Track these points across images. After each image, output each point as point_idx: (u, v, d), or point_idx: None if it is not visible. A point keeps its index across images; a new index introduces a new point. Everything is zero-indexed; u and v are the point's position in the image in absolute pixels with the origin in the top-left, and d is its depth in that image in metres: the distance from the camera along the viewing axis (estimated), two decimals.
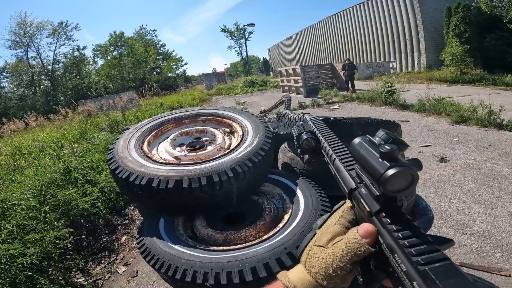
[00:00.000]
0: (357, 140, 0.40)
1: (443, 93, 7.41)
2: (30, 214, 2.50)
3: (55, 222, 2.45)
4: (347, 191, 0.42)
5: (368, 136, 0.40)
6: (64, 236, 2.32)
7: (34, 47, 28.59)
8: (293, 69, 13.39)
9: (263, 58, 57.04)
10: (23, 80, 27.93)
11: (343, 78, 12.09)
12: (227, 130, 1.60)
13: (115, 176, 1.21)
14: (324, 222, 0.44)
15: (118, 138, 1.47)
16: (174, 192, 1.08)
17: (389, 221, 0.32)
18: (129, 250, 2.62)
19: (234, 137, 1.53)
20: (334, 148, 0.52)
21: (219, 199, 1.15)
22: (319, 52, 30.96)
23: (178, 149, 1.48)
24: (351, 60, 12.64)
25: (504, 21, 14.59)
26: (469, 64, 14.28)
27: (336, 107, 8.72)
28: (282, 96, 3.87)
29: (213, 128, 1.62)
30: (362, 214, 0.38)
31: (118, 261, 2.48)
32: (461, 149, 4.12)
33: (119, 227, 3.01)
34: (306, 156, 0.62)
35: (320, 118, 1.29)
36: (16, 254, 2.03)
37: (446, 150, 4.11)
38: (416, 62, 19.17)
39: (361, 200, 0.37)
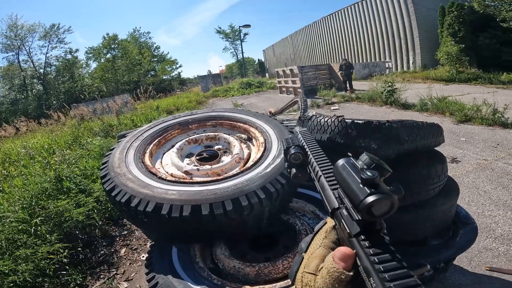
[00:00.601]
0: (340, 162, 0.40)
1: (442, 92, 7.34)
2: (20, 227, 2.32)
3: (48, 236, 2.28)
4: (330, 210, 0.41)
5: (352, 159, 0.40)
6: (58, 251, 2.15)
7: (26, 50, 27.98)
8: (291, 70, 13.28)
9: (258, 59, 56.85)
10: (15, 84, 27.33)
11: (341, 78, 12.00)
12: (244, 136, 1.38)
13: (112, 198, 0.98)
14: (309, 244, 0.44)
15: (113, 148, 1.23)
16: (191, 221, 0.86)
17: (367, 244, 0.32)
18: (130, 263, 2.43)
19: (254, 145, 1.32)
20: (320, 165, 0.52)
21: (247, 225, 0.94)
22: (314, 53, 30.97)
23: (186, 160, 1.25)
24: (348, 60, 12.57)
25: (497, 20, 14.70)
26: (464, 63, 14.35)
27: (336, 107, 8.60)
28: (294, 96, 3.64)
29: (226, 134, 1.39)
30: (343, 235, 0.38)
31: (118, 276, 2.30)
32: (470, 149, 4.02)
33: (117, 239, 2.81)
34: (293, 171, 0.60)
35: (362, 121, 1.13)
36: (6, 271, 1.88)
37: (456, 150, 3.99)
38: (411, 61, 19.24)
39: (342, 221, 0.38)
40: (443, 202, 1.19)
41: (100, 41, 32.62)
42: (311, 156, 0.57)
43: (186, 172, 1.14)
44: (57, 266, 2.13)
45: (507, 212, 2.44)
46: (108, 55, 32.14)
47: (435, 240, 1.30)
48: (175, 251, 0.95)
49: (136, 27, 38.66)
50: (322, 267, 0.38)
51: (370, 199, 0.31)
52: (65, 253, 2.14)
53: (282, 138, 1.17)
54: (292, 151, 0.61)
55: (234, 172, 1.09)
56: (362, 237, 0.33)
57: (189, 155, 1.31)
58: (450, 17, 15.95)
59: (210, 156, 1.27)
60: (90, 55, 32.35)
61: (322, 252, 0.41)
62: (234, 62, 54.08)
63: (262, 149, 1.19)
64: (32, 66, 28.63)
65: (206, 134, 1.40)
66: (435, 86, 8.79)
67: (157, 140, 1.34)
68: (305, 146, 0.62)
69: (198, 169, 1.14)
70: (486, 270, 1.86)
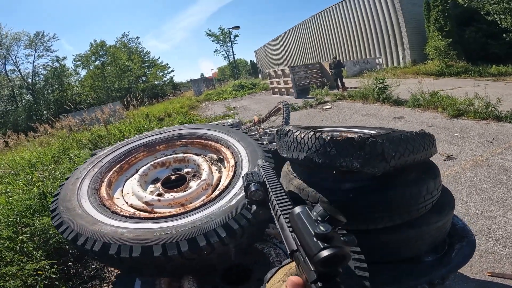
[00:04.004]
0: (296, 211, 0.42)
1: (433, 86, 7.34)
2: (6, 244, 2.26)
3: (34, 252, 2.21)
4: (289, 251, 0.42)
5: (307, 208, 0.42)
6: (44, 267, 2.07)
7: (12, 60, 27.50)
8: (282, 70, 13.22)
9: (251, 60, 56.85)
10: (4, 94, 26.79)
11: (332, 77, 12.01)
12: (215, 157, 1.26)
13: (61, 234, 0.91)
14: (273, 275, 0.47)
15: (68, 178, 1.14)
16: (143, 261, 0.79)
17: None
18: None
19: (225, 167, 1.20)
20: (280, 205, 0.52)
21: (210, 262, 0.87)
22: (305, 52, 31.02)
23: (151, 187, 1.14)
24: (337, 58, 12.57)
25: (482, 13, 14.89)
26: (453, 56, 14.49)
27: (329, 106, 8.56)
28: (278, 103, 3.56)
29: (196, 154, 1.28)
30: (302, 277, 0.40)
31: None
32: (465, 145, 3.97)
33: None
34: (254, 207, 0.61)
35: (341, 138, 1.03)
36: None
37: (450, 147, 3.94)
38: (401, 57, 19.36)
39: (299, 267, 0.39)
40: (436, 219, 1.09)
41: (88, 48, 32.23)
42: (271, 193, 0.57)
43: (147, 203, 1.04)
44: (45, 282, 2.06)
45: (508, 212, 2.37)
46: (97, 62, 31.74)
47: (429, 256, 1.21)
48: (138, 284, 0.89)
49: (125, 32, 38.10)
50: None
51: (323, 254, 0.33)
52: (54, 269, 2.08)
53: (254, 162, 1.07)
54: (252, 188, 0.62)
55: (198, 202, 1.00)
56: (319, 284, 0.34)
57: (155, 181, 1.20)
58: (435, 11, 16.09)
59: (179, 180, 1.16)
60: (78, 62, 31.95)
61: (280, 287, 0.44)
62: (226, 64, 53.99)
63: (231, 174, 1.08)
64: (20, 75, 28.14)
65: (174, 156, 1.28)
66: (425, 81, 8.80)
67: (118, 165, 1.23)
68: (266, 183, 0.61)
69: (159, 200, 1.04)
70: (488, 275, 1.79)
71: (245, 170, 1.06)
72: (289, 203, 0.53)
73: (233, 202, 0.91)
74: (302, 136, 1.01)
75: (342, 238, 0.36)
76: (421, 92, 6.79)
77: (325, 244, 0.33)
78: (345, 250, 0.34)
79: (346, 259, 0.34)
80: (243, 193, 0.94)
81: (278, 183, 0.60)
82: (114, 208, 0.99)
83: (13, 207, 2.73)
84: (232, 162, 1.15)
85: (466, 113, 5.35)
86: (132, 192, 1.11)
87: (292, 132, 1.07)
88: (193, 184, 1.12)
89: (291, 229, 0.44)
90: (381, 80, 8.07)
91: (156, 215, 0.98)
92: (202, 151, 1.33)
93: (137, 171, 1.23)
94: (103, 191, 1.09)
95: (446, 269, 1.15)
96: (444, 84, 9.52)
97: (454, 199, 1.24)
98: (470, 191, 2.76)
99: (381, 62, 18.77)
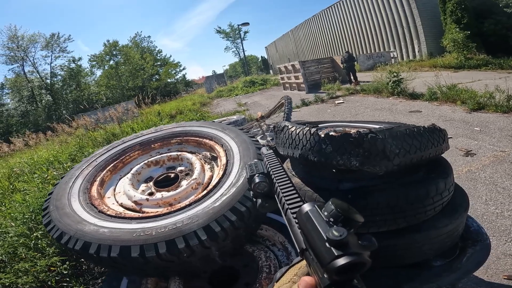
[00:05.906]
0: (304, 210, 0.37)
1: (451, 79, 7.03)
2: (21, 241, 2.35)
3: (47, 249, 2.30)
4: (299, 250, 0.38)
5: (317, 206, 0.37)
6: (56, 264, 2.16)
7: (30, 61, 28.42)
8: (293, 65, 13.08)
9: (261, 56, 56.52)
10: (24, 95, 27.87)
11: (344, 71, 11.80)
12: (208, 155, 1.23)
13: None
14: (283, 275, 0.46)
15: (63, 177, 1.16)
16: (122, 261, 0.78)
17: None
18: None
19: (217, 166, 1.16)
20: (287, 198, 0.47)
21: (193, 265, 0.84)
22: (317, 46, 30.51)
23: (143, 186, 1.13)
24: (350, 52, 12.31)
25: (500, 5, 14.24)
26: (472, 49, 13.89)
27: (341, 101, 8.39)
28: (281, 98, 3.53)
29: (191, 152, 1.25)
30: (314, 277, 0.36)
31: None
32: (485, 139, 3.78)
33: None
34: (259, 201, 0.56)
35: (339, 133, 0.97)
36: (7, 283, 1.94)
37: (470, 142, 3.77)
38: (416, 50, 18.69)
39: (310, 267, 0.35)
40: (447, 222, 0.99)
41: (102, 48, 32.99)
42: (277, 185, 0.52)
43: (136, 202, 1.03)
44: (57, 278, 2.14)
45: None
46: (111, 62, 32.44)
47: (438, 261, 1.12)
48: (125, 283, 0.90)
49: (137, 32, 38.78)
50: None
51: (338, 263, 0.29)
52: (65, 265, 2.16)
53: (245, 160, 1.03)
54: (257, 180, 0.57)
55: (185, 202, 0.99)
56: None
57: (148, 179, 1.19)
58: (451, 4, 15.47)
59: (174, 178, 1.15)
60: (94, 62, 32.75)
61: (291, 287, 0.43)
62: (237, 61, 53.97)
63: (221, 173, 1.05)
64: (38, 76, 29.12)
65: (168, 154, 1.27)
66: (443, 74, 8.44)
67: (112, 164, 1.23)
68: (271, 173, 0.56)
69: (147, 199, 1.03)
70: (504, 278, 1.70)
71: (235, 169, 1.03)
72: (297, 195, 0.48)
73: (217, 203, 0.88)
74: (297, 132, 0.95)
75: (359, 242, 0.31)
76: (438, 85, 6.53)
77: (340, 253, 0.29)
78: (364, 256, 0.30)
79: (365, 266, 0.30)
80: (230, 192, 0.91)
81: (284, 173, 0.55)
82: (102, 208, 1.00)
83: (28, 204, 2.83)
84: (224, 160, 1.11)
85: (487, 107, 5.11)
86: (123, 191, 1.12)
87: (288, 128, 1.00)
88: (184, 183, 1.11)
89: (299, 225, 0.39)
90: (395, 73, 7.82)
91: (141, 215, 0.98)
92: (196, 149, 1.31)
93: (131, 170, 1.22)
94: (94, 190, 1.10)
95: (455, 276, 1.07)
96: (463, 77, 9.12)
97: (468, 199, 1.14)
98: (490, 188, 2.63)
99: (395, 56, 18.21)
